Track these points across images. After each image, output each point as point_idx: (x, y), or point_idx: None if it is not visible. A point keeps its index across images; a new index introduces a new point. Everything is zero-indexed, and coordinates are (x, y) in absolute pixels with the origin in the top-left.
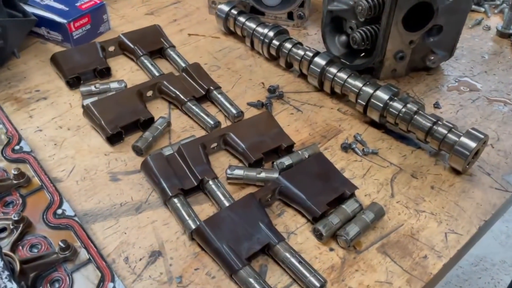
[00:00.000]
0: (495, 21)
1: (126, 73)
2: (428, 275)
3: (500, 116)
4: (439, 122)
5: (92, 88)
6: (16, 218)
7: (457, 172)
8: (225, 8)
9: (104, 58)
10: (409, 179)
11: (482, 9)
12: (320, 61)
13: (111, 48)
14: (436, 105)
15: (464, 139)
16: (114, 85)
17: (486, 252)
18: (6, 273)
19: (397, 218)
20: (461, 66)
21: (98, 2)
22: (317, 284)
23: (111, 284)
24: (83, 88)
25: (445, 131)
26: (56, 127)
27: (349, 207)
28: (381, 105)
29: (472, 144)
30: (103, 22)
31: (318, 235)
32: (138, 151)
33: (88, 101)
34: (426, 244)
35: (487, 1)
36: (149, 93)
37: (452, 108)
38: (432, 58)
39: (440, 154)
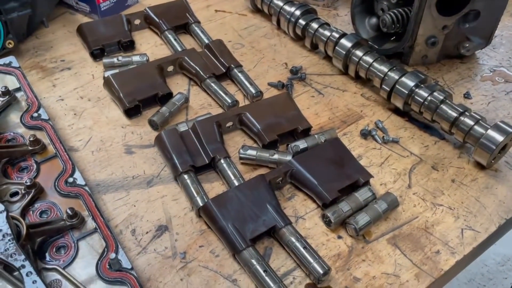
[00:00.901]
0: None
1: (150, 47)
2: (439, 271)
3: None
4: (466, 112)
5: (115, 60)
6: (28, 183)
7: (481, 167)
8: None
9: (129, 31)
10: (429, 170)
11: None
12: (346, 43)
13: (137, 21)
14: (467, 95)
15: (491, 132)
16: (136, 58)
17: None
18: (10, 236)
19: (412, 210)
20: (498, 56)
21: None
22: (320, 271)
23: (113, 255)
24: (105, 60)
25: (471, 123)
26: (78, 97)
27: (361, 195)
28: (406, 92)
29: (499, 138)
30: None
31: (327, 222)
32: (154, 125)
33: (109, 73)
34: (440, 239)
35: None
36: (170, 68)
37: (483, 99)
38: (467, 45)
39: (465, 146)
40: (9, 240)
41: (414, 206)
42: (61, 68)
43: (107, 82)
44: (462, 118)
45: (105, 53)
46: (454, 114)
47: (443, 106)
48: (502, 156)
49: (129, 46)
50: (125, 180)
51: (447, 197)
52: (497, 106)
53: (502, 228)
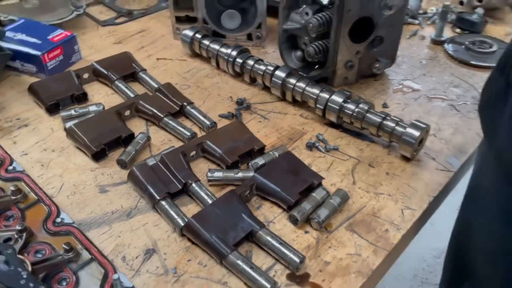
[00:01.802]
0: (429, 31)
1: (102, 97)
2: (391, 245)
3: (439, 110)
4: (387, 117)
5: (72, 112)
6: (19, 228)
7: (407, 159)
8: (190, 33)
9: (80, 84)
10: (367, 168)
11: (417, 21)
12: (280, 73)
13: (86, 75)
14: (384, 105)
15: (409, 130)
16: (92, 108)
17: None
18: (25, 272)
19: (360, 201)
20: (402, 71)
21: (69, 34)
22: (297, 260)
23: (116, 275)
24: (63, 113)
25: (393, 125)
26: (41, 150)
27: (318, 194)
28: (337, 107)
29: (417, 133)
30: (75, 53)
31: (294, 221)
32: (122, 164)
33: (70, 124)
34: (387, 220)
35: (421, 15)
36: (127, 113)
37: (398, 107)
38: (377, 65)
39: (391, 145)
40: (25, 275)
41: (361, 197)
42: (18, 126)
43: (70, 132)
44: (385, 122)
45: (60, 107)
46: (378, 120)
47: (369, 115)
48: (421, 149)
49: (82, 98)
50: (105, 216)
51: (385, 186)
52: (409, 111)
53: (432, 204)
